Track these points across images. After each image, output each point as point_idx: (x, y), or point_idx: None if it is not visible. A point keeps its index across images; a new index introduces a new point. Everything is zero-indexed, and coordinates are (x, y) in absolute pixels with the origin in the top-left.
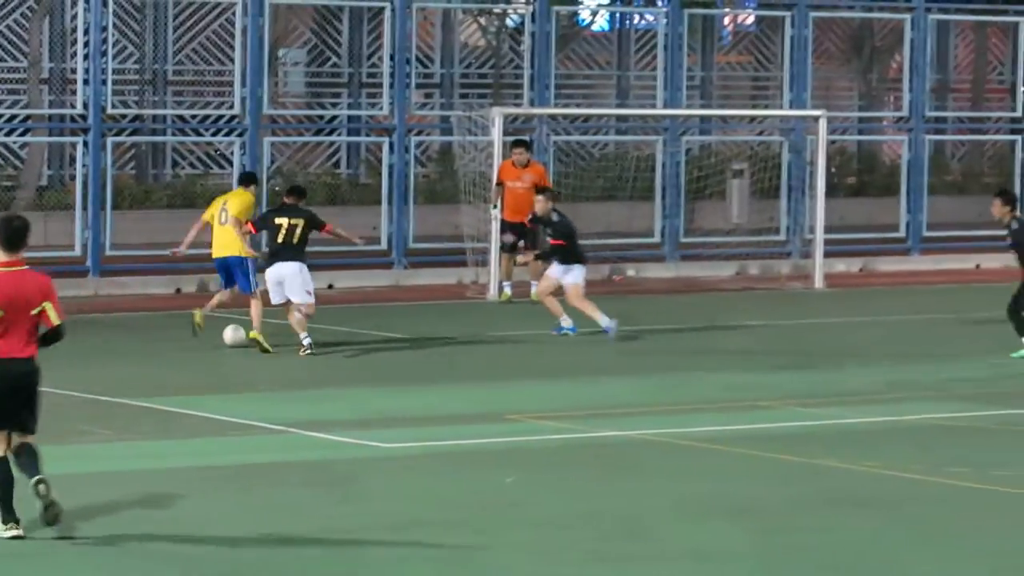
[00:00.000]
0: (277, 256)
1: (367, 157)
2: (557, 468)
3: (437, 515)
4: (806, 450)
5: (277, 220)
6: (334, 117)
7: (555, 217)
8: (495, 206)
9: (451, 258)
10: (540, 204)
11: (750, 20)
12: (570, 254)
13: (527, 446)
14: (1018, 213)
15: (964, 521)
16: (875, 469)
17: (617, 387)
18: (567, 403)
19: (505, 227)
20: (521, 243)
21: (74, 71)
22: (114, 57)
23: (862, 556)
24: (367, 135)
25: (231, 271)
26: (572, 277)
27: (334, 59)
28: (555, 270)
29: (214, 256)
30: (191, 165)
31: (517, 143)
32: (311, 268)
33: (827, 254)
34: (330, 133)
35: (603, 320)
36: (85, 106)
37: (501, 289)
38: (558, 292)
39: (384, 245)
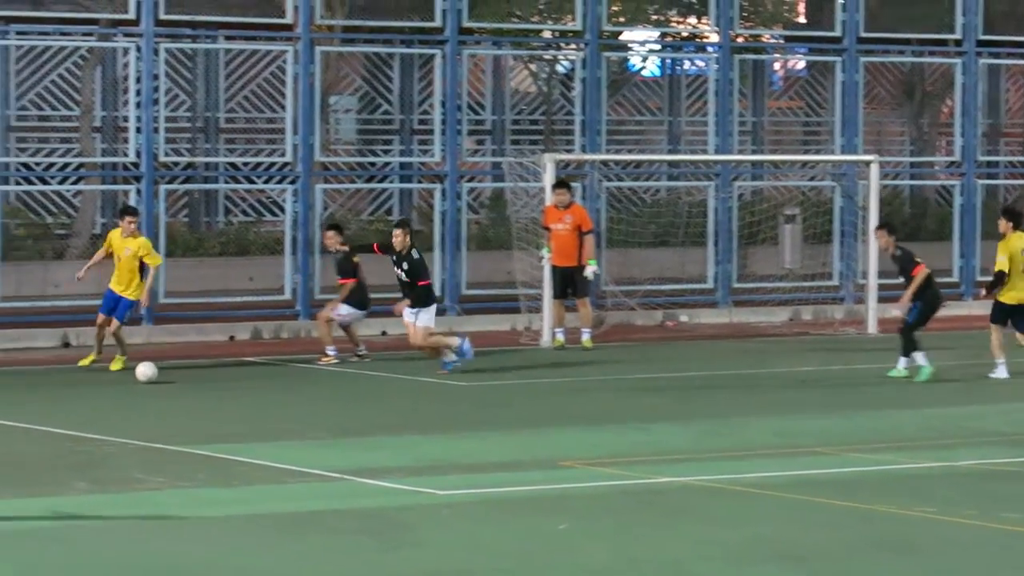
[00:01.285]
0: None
1: (419, 204)
2: (609, 515)
3: (489, 563)
4: (858, 496)
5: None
6: (386, 164)
7: (415, 255)
8: (548, 251)
9: (504, 304)
10: (398, 239)
11: (800, 65)
12: (427, 295)
13: (579, 493)
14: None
15: (1016, 567)
16: (928, 515)
17: (668, 433)
18: (619, 449)
19: (555, 273)
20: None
21: (126, 119)
22: (166, 105)
23: None
24: (419, 182)
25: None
26: (423, 320)
27: (385, 106)
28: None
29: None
30: (243, 212)
31: (558, 184)
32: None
33: (880, 299)
34: (382, 180)
35: (455, 342)
36: (138, 154)
37: (554, 335)
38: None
39: (438, 292)
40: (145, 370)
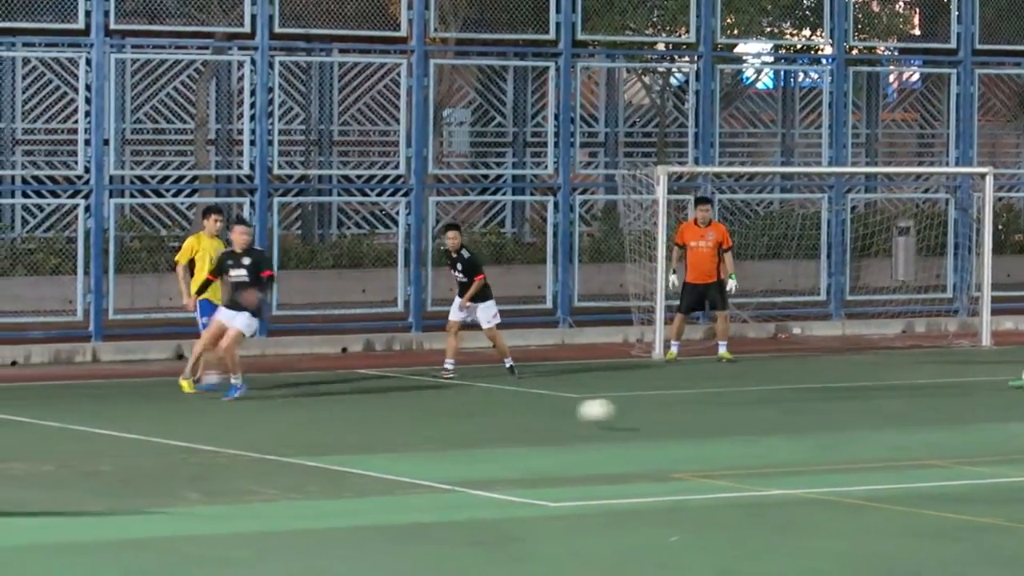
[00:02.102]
0: None
1: (531, 216)
2: (719, 528)
3: (598, 575)
4: (971, 509)
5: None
6: (499, 176)
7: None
8: (675, 271)
9: (616, 316)
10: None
11: (915, 77)
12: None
13: (691, 505)
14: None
15: None
16: None
17: (780, 446)
18: (731, 462)
19: (688, 290)
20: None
21: (241, 132)
22: (280, 118)
23: None
24: (531, 194)
25: None
26: (239, 323)
27: (498, 118)
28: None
29: None
30: (356, 225)
31: (702, 200)
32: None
33: (994, 312)
34: (495, 192)
35: (232, 380)
36: (252, 167)
37: (668, 348)
38: None
39: (549, 304)
40: (598, 410)
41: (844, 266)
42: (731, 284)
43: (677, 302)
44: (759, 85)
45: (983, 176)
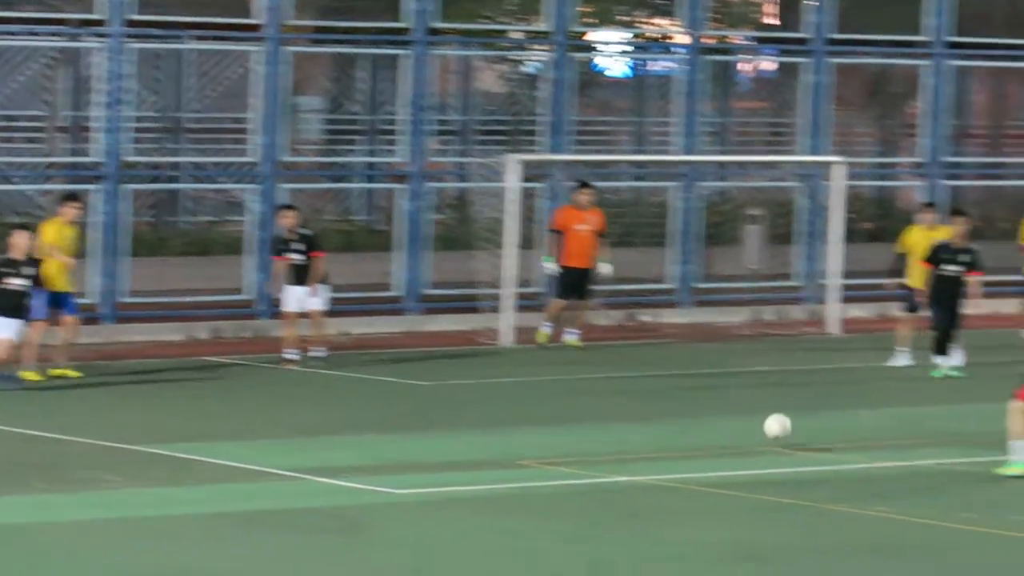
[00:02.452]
0: None
1: (383, 204)
2: (567, 514)
3: (447, 562)
4: (817, 496)
5: None
6: (351, 164)
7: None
8: (549, 257)
9: (465, 304)
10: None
11: (768, 66)
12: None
13: (538, 492)
14: None
15: (975, 567)
16: (886, 515)
17: (628, 433)
18: (578, 449)
19: (568, 274)
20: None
21: (92, 119)
22: (132, 105)
23: None
24: (384, 182)
25: None
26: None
27: (351, 106)
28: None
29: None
30: (209, 213)
31: (584, 185)
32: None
33: (843, 299)
34: (347, 180)
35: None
36: (104, 154)
37: (542, 330)
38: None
39: (398, 292)
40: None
41: (694, 254)
42: (607, 268)
43: (536, 289)
44: (613, 74)
45: (834, 165)
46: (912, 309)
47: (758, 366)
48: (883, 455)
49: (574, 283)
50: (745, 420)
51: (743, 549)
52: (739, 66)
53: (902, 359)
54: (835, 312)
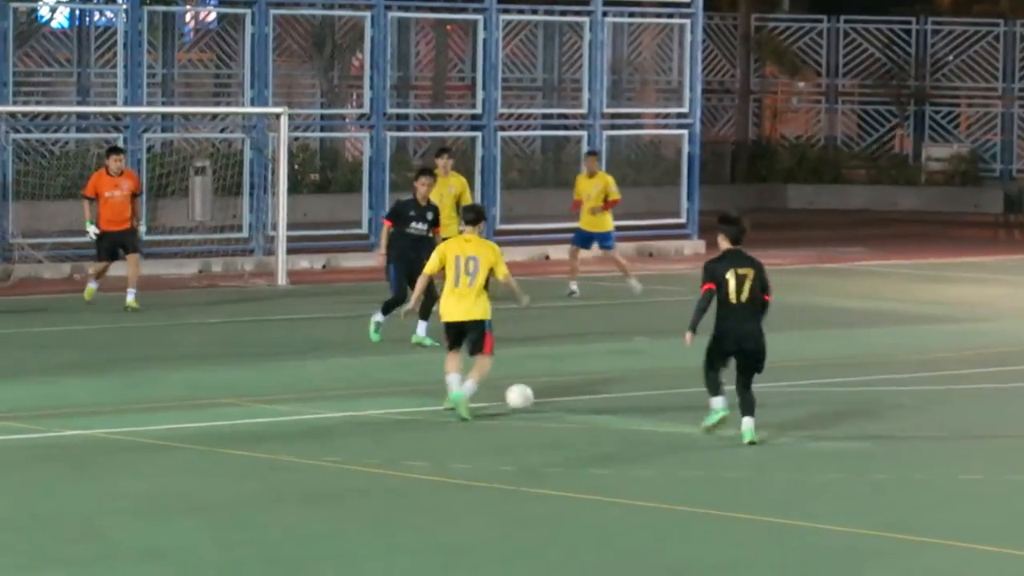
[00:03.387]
0: None
1: None
2: (12, 470)
3: None
4: (266, 447)
5: None
6: None
7: None
8: (91, 222)
9: None
10: None
11: (211, 17)
12: None
13: None
14: None
15: (418, 514)
16: (334, 464)
17: (76, 387)
18: (24, 403)
19: (107, 237)
20: (121, 251)
21: None
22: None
23: (315, 551)
24: None
25: None
26: None
27: None
28: None
29: None
30: None
31: (112, 151)
32: None
33: (290, 251)
34: None
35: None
36: None
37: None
38: None
39: None
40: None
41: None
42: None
43: None
44: (54, 24)
45: (278, 116)
46: None
47: (207, 318)
48: (331, 405)
49: (114, 246)
50: (195, 372)
51: (187, 500)
52: (186, 17)
53: None
54: (283, 263)
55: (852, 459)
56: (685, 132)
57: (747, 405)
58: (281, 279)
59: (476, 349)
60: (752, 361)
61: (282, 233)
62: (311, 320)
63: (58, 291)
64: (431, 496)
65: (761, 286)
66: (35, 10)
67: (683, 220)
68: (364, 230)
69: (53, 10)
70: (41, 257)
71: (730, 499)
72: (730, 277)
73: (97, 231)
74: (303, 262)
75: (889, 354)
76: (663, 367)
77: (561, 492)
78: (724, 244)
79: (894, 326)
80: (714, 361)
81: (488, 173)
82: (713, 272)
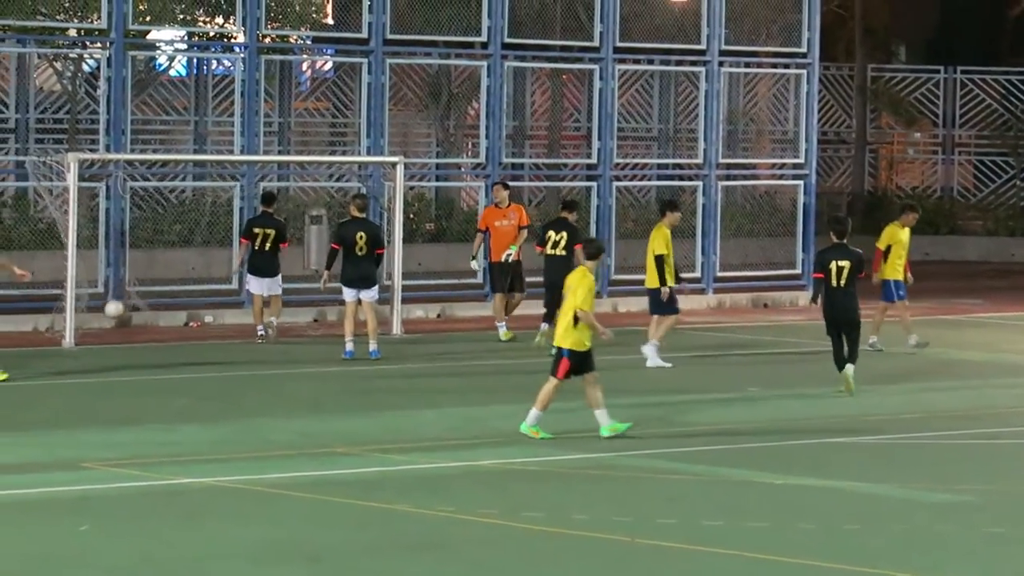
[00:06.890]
0: None
1: None
2: (130, 516)
3: (6, 565)
4: (381, 496)
5: None
6: None
7: None
8: (474, 256)
9: (27, 304)
10: None
11: (328, 66)
12: None
13: (100, 494)
14: None
15: (534, 564)
16: (448, 514)
17: (192, 434)
18: (142, 451)
19: (496, 268)
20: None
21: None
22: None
23: None
24: None
25: None
26: None
27: None
28: None
29: None
30: None
31: (500, 184)
32: None
33: (405, 300)
34: None
35: None
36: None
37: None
38: None
39: None
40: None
41: None
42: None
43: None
44: (172, 72)
45: (394, 165)
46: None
47: (323, 366)
48: (446, 455)
49: (505, 275)
50: (308, 420)
51: (301, 548)
52: (303, 67)
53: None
54: (398, 312)
55: (966, 512)
56: (801, 183)
57: (851, 358)
58: (396, 328)
59: (551, 371)
60: (848, 330)
61: (397, 282)
62: (425, 369)
63: (173, 339)
64: (549, 545)
65: (857, 270)
66: (153, 58)
67: (798, 271)
68: (479, 279)
69: (171, 58)
70: (149, 304)
71: (842, 551)
72: (832, 267)
73: (477, 266)
74: (418, 311)
75: (1008, 406)
76: (779, 417)
77: (678, 544)
78: (832, 238)
79: (1013, 378)
80: (829, 331)
81: (603, 223)
82: (821, 262)
